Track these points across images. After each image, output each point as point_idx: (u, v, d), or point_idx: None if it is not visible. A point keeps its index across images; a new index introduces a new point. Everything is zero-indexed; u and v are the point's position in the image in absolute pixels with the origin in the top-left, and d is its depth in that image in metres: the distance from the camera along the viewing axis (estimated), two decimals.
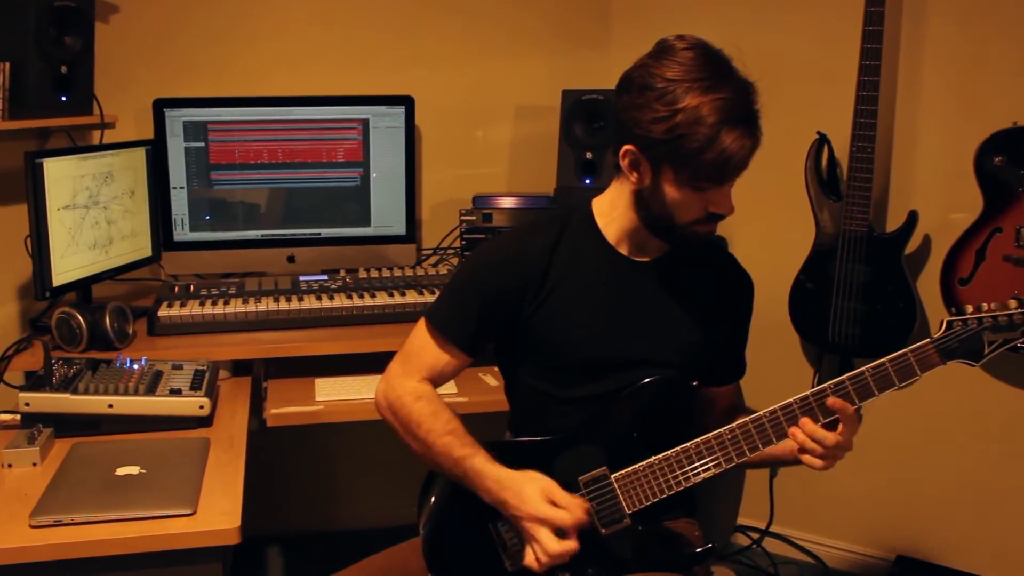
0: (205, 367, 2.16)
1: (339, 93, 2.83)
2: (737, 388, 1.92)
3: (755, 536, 3.07)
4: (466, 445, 1.65)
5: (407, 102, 2.80)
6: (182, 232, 2.75)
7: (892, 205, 2.74)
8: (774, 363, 2.94)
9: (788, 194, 2.77)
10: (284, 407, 2.25)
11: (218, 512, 1.67)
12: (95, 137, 2.72)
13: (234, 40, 2.86)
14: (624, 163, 1.60)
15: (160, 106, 2.67)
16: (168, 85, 2.78)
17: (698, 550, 1.70)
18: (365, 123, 2.80)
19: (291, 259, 2.82)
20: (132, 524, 1.62)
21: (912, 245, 2.69)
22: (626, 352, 1.71)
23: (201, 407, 2.02)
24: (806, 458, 1.60)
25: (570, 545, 1.57)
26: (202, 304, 2.47)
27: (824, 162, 2.72)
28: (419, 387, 1.72)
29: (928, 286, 2.63)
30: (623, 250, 1.72)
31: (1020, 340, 1.62)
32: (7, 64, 2.33)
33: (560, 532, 1.58)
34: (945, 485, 2.81)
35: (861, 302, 2.64)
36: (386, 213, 2.86)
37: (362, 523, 3.17)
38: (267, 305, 2.49)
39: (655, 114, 1.51)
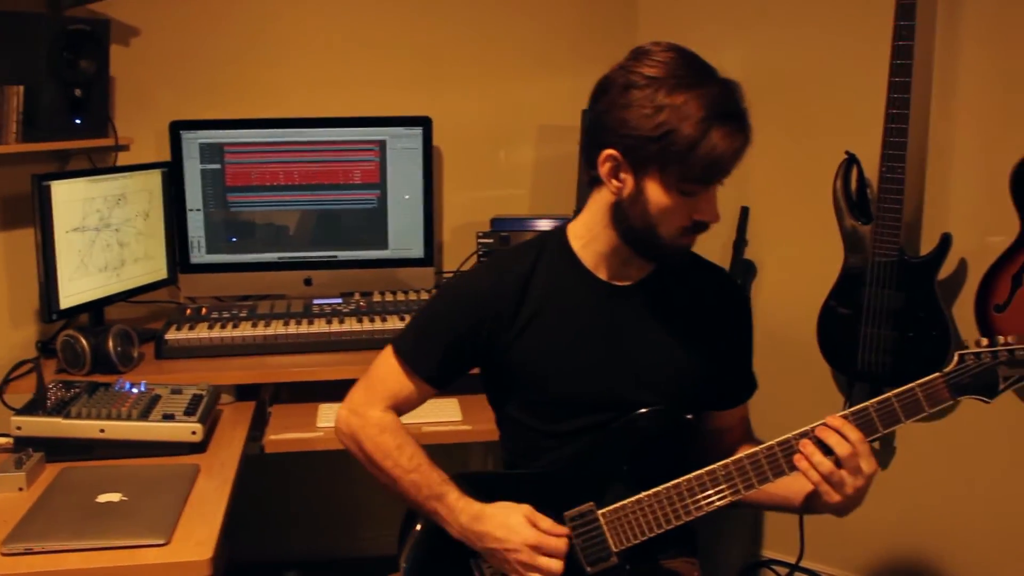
0: (204, 392, 2.13)
1: (359, 114, 2.80)
2: (746, 416, 1.80)
3: (783, 572, 2.94)
4: (434, 483, 1.59)
5: (425, 123, 2.76)
6: (199, 254, 2.74)
7: (926, 227, 2.61)
8: (803, 391, 2.83)
9: (817, 216, 2.66)
10: (283, 433, 2.21)
11: (193, 543, 1.63)
12: (118, 160, 2.73)
13: (252, 62, 2.86)
14: (604, 170, 1.52)
15: (176, 128, 2.67)
16: (187, 107, 2.78)
17: None
18: (382, 144, 2.76)
19: (308, 282, 2.80)
20: (103, 554, 1.59)
21: (946, 270, 2.55)
22: (612, 384, 1.63)
23: (193, 433, 1.99)
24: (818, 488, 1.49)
25: (559, 566, 1.51)
26: (211, 327, 2.45)
27: (854, 183, 2.61)
28: (383, 417, 1.66)
29: (963, 312, 2.50)
30: (602, 275, 1.64)
31: None
32: (21, 87, 2.35)
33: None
34: (987, 525, 2.65)
35: (891, 329, 2.52)
36: (404, 236, 2.82)
37: (382, 549, 3.11)
38: (276, 329, 2.46)
39: (641, 111, 1.44)
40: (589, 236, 1.63)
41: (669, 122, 1.42)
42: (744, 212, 2.90)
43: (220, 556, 1.64)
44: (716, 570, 1.89)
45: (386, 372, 1.69)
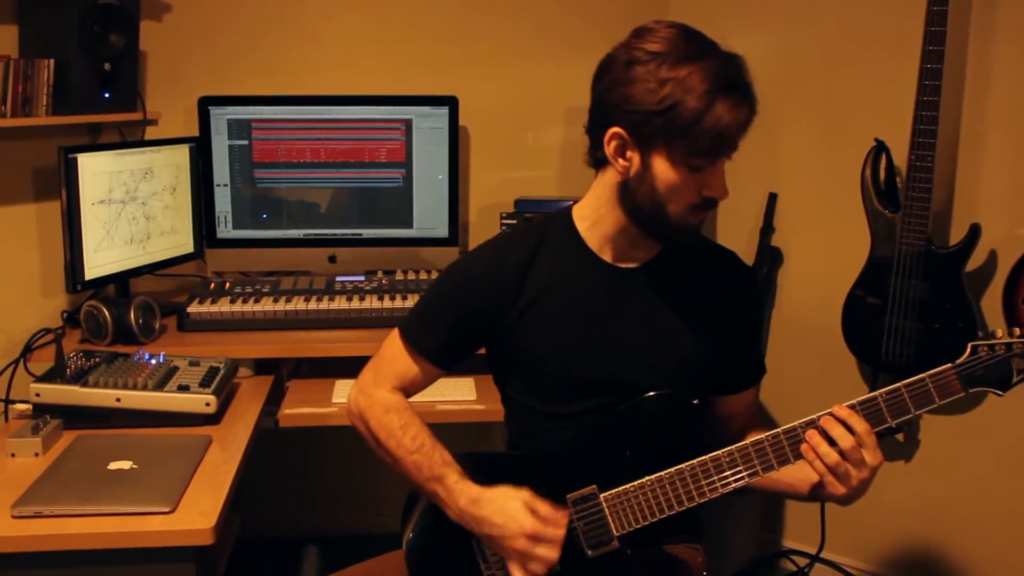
0: (221, 365, 2.15)
1: (387, 93, 2.80)
2: (754, 402, 1.77)
3: (803, 562, 2.92)
4: (435, 464, 1.58)
5: (451, 103, 2.76)
6: (225, 230, 2.77)
7: (956, 218, 2.55)
8: (828, 380, 2.80)
9: (845, 204, 2.61)
10: (297, 408, 2.22)
11: (197, 512, 1.65)
12: (146, 134, 2.76)
13: (281, 39, 2.87)
14: (610, 149, 1.50)
15: (205, 104, 2.69)
16: (217, 83, 2.80)
17: None
18: (408, 123, 2.76)
19: (332, 259, 2.81)
20: (110, 519, 1.61)
21: (976, 261, 2.50)
22: (616, 368, 1.61)
23: (207, 404, 2.01)
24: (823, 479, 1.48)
25: (556, 554, 1.50)
26: (232, 302, 2.47)
27: (882, 171, 2.56)
28: (389, 398, 1.66)
29: (992, 305, 2.44)
30: (607, 257, 1.63)
31: None
32: (51, 60, 2.38)
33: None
34: (1011, 520, 2.60)
35: (917, 320, 2.47)
36: (429, 215, 2.82)
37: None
38: (297, 304, 2.47)
39: (646, 86, 1.42)
40: (595, 217, 1.62)
41: (673, 95, 1.40)
42: (772, 198, 2.86)
43: (225, 526, 1.66)
44: (723, 557, 1.86)
45: (393, 353, 1.70)
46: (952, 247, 2.44)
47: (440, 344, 1.66)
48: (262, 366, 2.39)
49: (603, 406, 1.61)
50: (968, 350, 1.49)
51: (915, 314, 2.48)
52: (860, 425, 1.45)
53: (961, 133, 2.53)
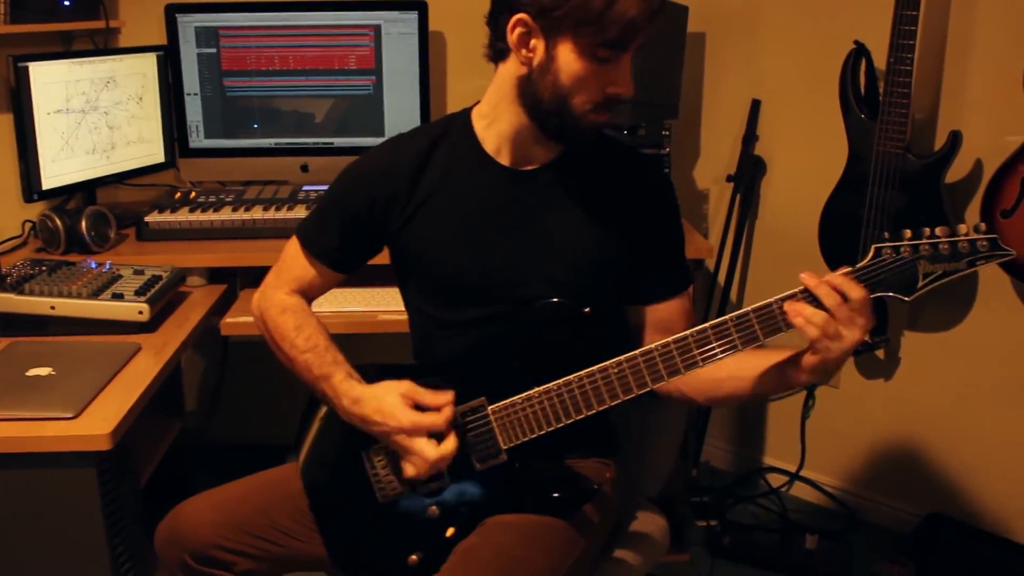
0: (165, 273, 2.16)
1: None
2: (687, 313, 1.65)
3: (782, 480, 2.87)
4: (325, 364, 1.56)
5: (420, 7, 2.67)
6: (197, 139, 2.76)
7: (941, 126, 2.42)
8: None
9: (830, 112, 2.47)
10: (240, 316, 2.23)
11: (99, 418, 1.66)
12: (118, 41, 2.74)
13: None
14: (513, 37, 1.43)
15: (172, 11, 2.66)
16: None
17: (555, 495, 1.54)
18: (377, 29, 2.69)
19: (304, 168, 2.79)
20: (12, 424, 1.64)
21: (960, 171, 2.38)
22: (507, 274, 1.57)
23: (140, 312, 2.02)
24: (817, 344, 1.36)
25: (449, 446, 1.46)
26: (192, 211, 2.47)
27: (863, 76, 2.42)
28: (286, 299, 1.65)
29: (975, 218, 2.32)
30: (504, 160, 1.57)
31: (963, 271, 1.39)
32: None
33: (436, 435, 1.48)
34: (991, 437, 2.51)
35: (892, 233, 2.35)
36: (401, 123, 2.76)
37: None
38: (255, 214, 2.46)
39: None
40: (493, 115, 1.56)
41: None
42: (755, 105, 2.74)
43: (156, 431, 1.67)
44: (642, 473, 1.83)
45: (291, 256, 1.68)
46: (930, 155, 2.31)
47: (334, 246, 1.64)
48: (218, 275, 2.40)
49: (496, 315, 1.57)
50: (872, 252, 1.40)
51: (890, 226, 2.35)
52: (851, 289, 1.35)
53: (949, 35, 2.37)
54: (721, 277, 2.86)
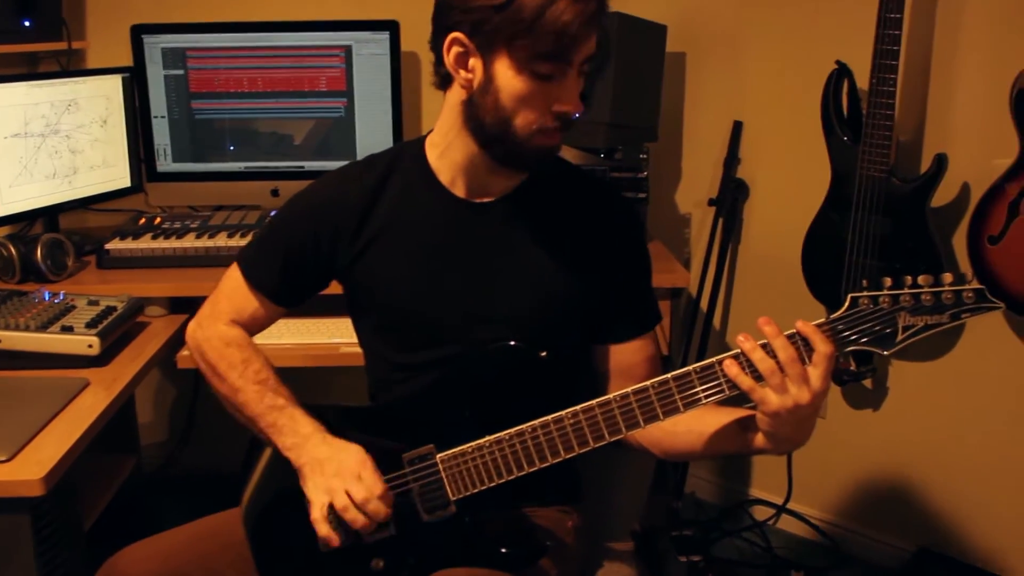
0: (120, 304, 2.08)
1: (325, 18, 2.66)
2: (654, 356, 1.57)
3: (769, 512, 2.78)
4: (278, 396, 1.49)
5: (392, 27, 2.60)
6: (165, 163, 2.69)
7: (926, 149, 2.34)
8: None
9: (813, 134, 2.40)
10: None
11: (34, 461, 1.58)
12: (86, 62, 2.68)
13: None
14: (451, 59, 1.36)
15: (138, 32, 2.59)
16: (151, 10, 2.69)
17: (503, 551, 1.45)
18: (348, 50, 2.62)
19: (275, 192, 2.71)
20: None
21: (946, 196, 2.29)
22: (461, 315, 1.49)
23: (90, 346, 1.94)
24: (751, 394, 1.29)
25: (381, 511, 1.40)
26: (155, 238, 2.40)
27: (845, 97, 2.34)
28: (227, 332, 1.57)
29: (963, 244, 2.24)
30: (459, 191, 1.50)
31: (947, 324, 1.31)
32: None
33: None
34: (979, 470, 2.42)
35: (877, 259, 2.28)
36: (373, 146, 2.62)
37: None
38: (219, 241, 2.39)
39: None
40: (444, 144, 1.49)
41: None
42: (737, 127, 2.67)
43: (71, 472, 1.60)
44: (610, 517, 1.75)
45: (231, 286, 1.61)
46: (914, 179, 2.23)
47: (276, 278, 1.56)
48: (180, 305, 2.33)
49: (446, 357, 1.50)
50: (847, 301, 1.32)
51: (875, 252, 2.29)
52: (818, 342, 1.27)
53: (933, 56, 2.30)
54: (704, 303, 2.78)
